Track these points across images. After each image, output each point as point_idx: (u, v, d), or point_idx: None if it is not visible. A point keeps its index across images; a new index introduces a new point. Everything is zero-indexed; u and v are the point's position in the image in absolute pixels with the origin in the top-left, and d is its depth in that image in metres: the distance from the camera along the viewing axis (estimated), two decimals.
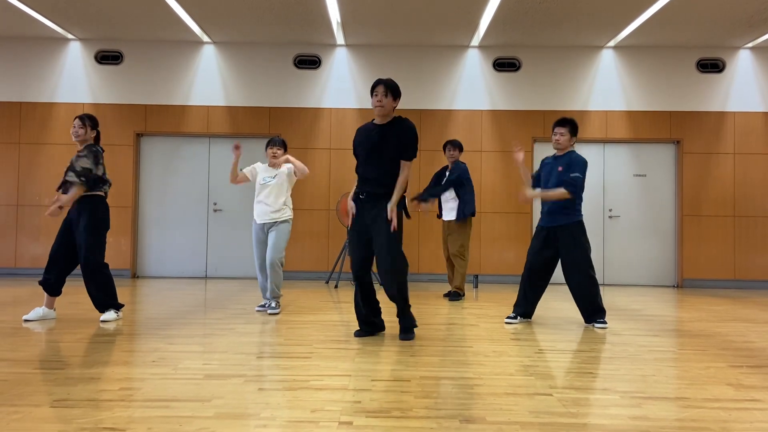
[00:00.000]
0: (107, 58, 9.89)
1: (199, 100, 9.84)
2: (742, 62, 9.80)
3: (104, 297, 5.09)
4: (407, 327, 4.48)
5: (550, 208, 5.25)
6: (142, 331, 4.62)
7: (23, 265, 9.64)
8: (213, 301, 6.69)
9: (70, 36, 9.78)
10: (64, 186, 5.01)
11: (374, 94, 4.40)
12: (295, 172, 5.77)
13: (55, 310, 5.26)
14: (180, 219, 9.88)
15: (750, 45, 9.69)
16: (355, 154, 4.59)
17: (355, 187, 4.56)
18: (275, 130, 9.71)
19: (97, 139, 5.23)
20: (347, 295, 7.42)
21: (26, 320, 5.03)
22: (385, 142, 4.38)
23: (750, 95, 9.75)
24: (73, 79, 9.84)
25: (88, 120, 5.15)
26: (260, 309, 5.86)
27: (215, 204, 9.91)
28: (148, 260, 9.88)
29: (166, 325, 4.90)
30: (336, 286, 8.41)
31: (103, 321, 5.01)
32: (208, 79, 9.89)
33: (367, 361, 3.67)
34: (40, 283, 5.08)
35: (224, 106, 9.84)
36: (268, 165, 5.90)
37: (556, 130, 5.33)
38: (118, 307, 5.18)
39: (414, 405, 2.74)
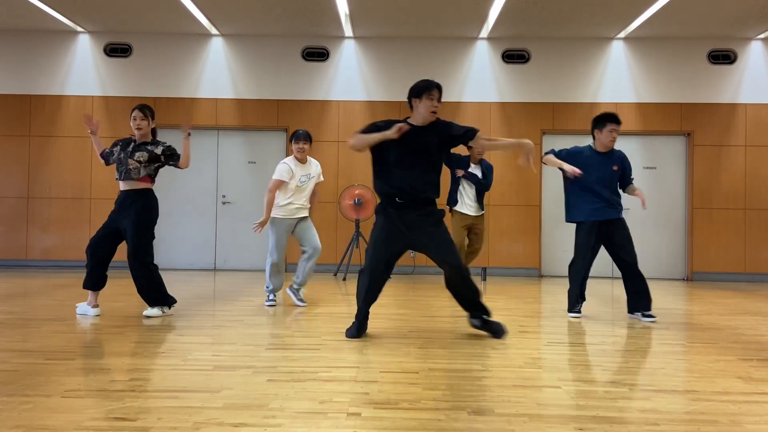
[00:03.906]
0: (116, 50, 9.91)
1: (208, 93, 9.85)
2: (754, 54, 9.69)
3: (155, 292, 4.96)
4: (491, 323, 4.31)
5: (608, 202, 5.14)
6: (152, 323, 4.65)
7: (34, 257, 9.71)
8: (222, 293, 6.72)
9: (79, 29, 9.80)
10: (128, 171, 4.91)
11: (431, 97, 4.10)
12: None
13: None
14: (189, 211, 9.91)
15: (762, 36, 9.58)
16: (387, 154, 4.14)
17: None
18: (283, 122, 9.71)
19: (154, 132, 5.10)
20: (355, 287, 7.41)
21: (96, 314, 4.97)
22: (431, 145, 4.17)
23: (762, 87, 9.65)
24: (83, 71, 9.87)
25: (149, 111, 5.00)
26: (272, 303, 5.69)
27: (224, 196, 9.94)
28: (158, 252, 9.84)
29: (176, 317, 4.92)
30: (344, 279, 8.42)
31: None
32: (217, 72, 9.89)
33: (376, 352, 3.68)
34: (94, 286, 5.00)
35: (233, 99, 9.85)
36: (299, 162, 5.62)
37: (614, 127, 5.09)
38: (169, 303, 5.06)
39: (422, 396, 2.74)
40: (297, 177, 5.58)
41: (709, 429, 2.37)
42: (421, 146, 4.15)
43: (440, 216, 4.26)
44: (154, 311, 4.92)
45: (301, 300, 5.72)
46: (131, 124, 4.98)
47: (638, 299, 5.15)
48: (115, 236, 4.95)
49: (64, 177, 9.72)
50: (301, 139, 5.59)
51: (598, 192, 5.13)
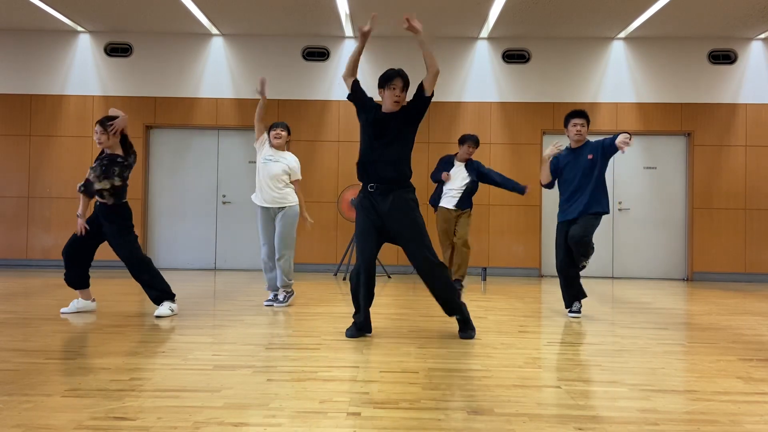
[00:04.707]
0: (117, 50, 9.91)
1: (208, 93, 9.86)
2: (755, 54, 9.69)
3: (161, 283, 4.97)
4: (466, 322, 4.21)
5: (584, 201, 5.10)
6: (152, 322, 4.65)
7: (34, 256, 9.72)
8: (222, 293, 6.73)
9: (79, 28, 9.81)
10: (87, 186, 4.90)
11: (392, 87, 4.21)
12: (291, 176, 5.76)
13: (94, 300, 5.18)
14: (189, 211, 9.92)
15: (762, 36, 9.58)
16: (363, 138, 4.28)
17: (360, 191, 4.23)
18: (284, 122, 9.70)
19: (125, 140, 4.95)
20: None
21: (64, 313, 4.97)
22: (401, 129, 4.22)
23: (762, 87, 9.65)
24: (83, 71, 9.88)
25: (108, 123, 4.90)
26: (269, 303, 5.72)
27: (224, 196, 9.94)
28: (158, 252, 9.93)
29: (176, 316, 4.92)
30: (344, 279, 8.42)
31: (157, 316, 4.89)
32: (217, 72, 9.90)
33: (375, 352, 3.68)
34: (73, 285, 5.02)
35: (233, 99, 9.85)
36: (274, 147, 5.71)
37: (575, 121, 5.20)
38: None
39: (422, 396, 2.74)
40: (261, 153, 5.66)
41: (709, 429, 2.37)
42: (392, 132, 4.18)
43: (413, 201, 4.15)
44: (164, 310, 4.88)
45: (285, 298, 5.69)
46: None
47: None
48: (90, 238, 4.93)
49: (64, 177, 9.72)
50: (279, 126, 5.71)
51: (577, 189, 5.15)
